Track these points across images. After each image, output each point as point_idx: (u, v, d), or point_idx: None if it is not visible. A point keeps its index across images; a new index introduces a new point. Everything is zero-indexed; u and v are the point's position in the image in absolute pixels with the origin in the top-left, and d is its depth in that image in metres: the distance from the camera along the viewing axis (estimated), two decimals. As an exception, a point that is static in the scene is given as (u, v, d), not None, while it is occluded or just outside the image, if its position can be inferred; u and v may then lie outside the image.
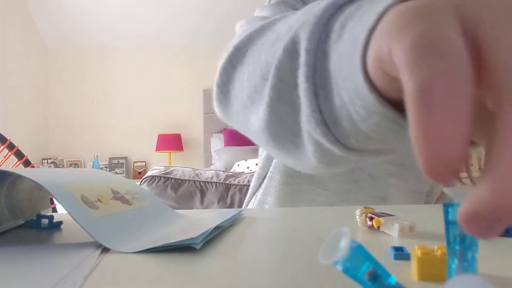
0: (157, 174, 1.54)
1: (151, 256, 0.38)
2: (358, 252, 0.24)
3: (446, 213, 0.25)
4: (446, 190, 0.25)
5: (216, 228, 0.47)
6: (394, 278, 0.25)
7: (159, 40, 4.50)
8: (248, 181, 1.55)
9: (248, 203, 0.97)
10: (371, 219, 0.49)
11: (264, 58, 0.40)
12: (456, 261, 0.25)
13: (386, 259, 0.36)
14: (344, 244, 0.23)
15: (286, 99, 0.36)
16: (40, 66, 4.47)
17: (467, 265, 0.25)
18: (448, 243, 0.25)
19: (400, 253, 0.36)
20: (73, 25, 4.31)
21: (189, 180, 1.53)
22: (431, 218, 0.62)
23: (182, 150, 4.36)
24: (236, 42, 0.47)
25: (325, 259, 0.23)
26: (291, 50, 0.34)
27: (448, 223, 0.25)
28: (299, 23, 0.35)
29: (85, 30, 4.37)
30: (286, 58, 0.35)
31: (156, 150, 4.31)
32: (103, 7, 4.16)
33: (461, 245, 0.25)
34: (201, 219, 0.55)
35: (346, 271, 0.24)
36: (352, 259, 0.24)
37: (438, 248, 0.32)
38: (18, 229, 0.53)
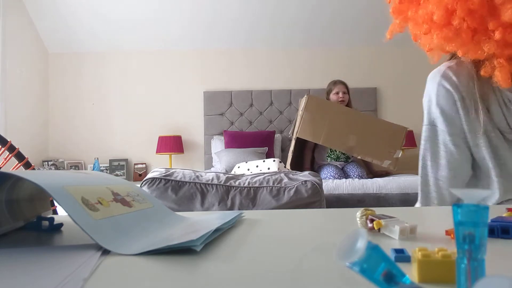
0: (158, 176, 1.53)
1: (152, 258, 0.38)
2: (375, 253, 0.24)
3: (455, 214, 0.25)
4: (456, 191, 0.25)
5: (217, 230, 0.47)
6: (409, 278, 0.25)
7: (159, 43, 4.51)
8: (249, 183, 1.55)
9: None
10: (372, 221, 0.49)
11: None
12: (465, 261, 0.25)
13: (386, 261, 0.36)
14: (361, 245, 0.22)
15: None
16: (41, 70, 4.48)
17: (477, 265, 0.24)
18: (458, 243, 0.25)
19: (401, 255, 0.36)
20: (74, 29, 4.32)
21: (190, 182, 1.53)
22: (431, 220, 0.62)
23: (183, 152, 4.35)
24: None
25: (342, 259, 0.23)
26: None
27: (458, 223, 0.25)
28: None
29: (85, 34, 4.38)
30: None
31: (156, 152, 4.31)
32: (104, 11, 4.16)
33: (470, 245, 0.24)
34: (201, 221, 0.55)
35: (363, 272, 0.23)
36: (369, 260, 0.23)
37: (438, 250, 0.31)
38: (18, 231, 0.53)
